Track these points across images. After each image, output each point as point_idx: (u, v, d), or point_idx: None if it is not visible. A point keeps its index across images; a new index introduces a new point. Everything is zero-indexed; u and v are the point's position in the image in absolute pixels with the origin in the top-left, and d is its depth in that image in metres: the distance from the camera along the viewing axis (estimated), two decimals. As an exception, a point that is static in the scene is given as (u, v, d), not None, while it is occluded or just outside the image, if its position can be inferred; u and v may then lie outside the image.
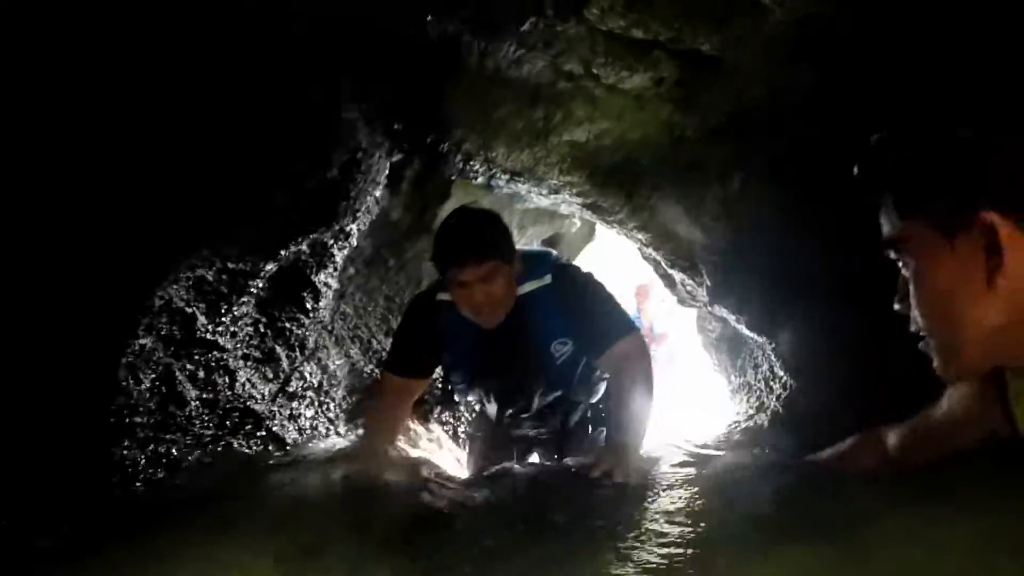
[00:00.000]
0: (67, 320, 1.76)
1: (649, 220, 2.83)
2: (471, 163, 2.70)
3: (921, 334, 1.23)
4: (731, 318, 2.96)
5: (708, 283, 2.84)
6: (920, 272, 1.21)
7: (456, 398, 2.81)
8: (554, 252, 2.67)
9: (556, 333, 2.48)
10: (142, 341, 2.10)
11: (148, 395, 2.21)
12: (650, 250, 3.04)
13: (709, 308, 3.12)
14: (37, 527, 1.65)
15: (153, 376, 2.22)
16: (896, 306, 1.26)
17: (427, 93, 2.31)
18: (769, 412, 2.93)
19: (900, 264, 1.22)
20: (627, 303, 6.98)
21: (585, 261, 5.15)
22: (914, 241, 1.20)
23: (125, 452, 2.10)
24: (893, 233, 1.22)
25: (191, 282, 2.19)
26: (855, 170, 1.22)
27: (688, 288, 3.11)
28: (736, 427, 3.12)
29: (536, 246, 3.35)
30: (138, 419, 2.15)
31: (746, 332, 2.92)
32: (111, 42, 1.54)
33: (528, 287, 2.43)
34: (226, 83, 1.73)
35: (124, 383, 2.05)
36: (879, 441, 1.54)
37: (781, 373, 2.78)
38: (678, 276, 3.08)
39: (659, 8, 1.80)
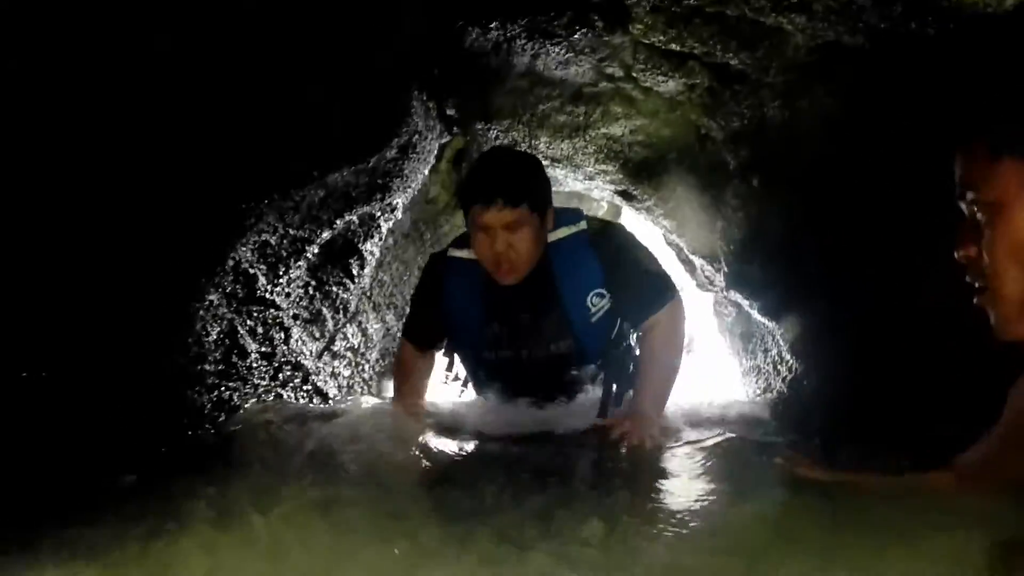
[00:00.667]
0: (150, 275, 2.04)
1: (674, 209, 3.10)
2: (516, 147, 2.97)
3: (979, 285, 1.21)
4: (744, 304, 3.22)
5: (725, 270, 3.10)
6: (1006, 216, 1.17)
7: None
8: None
9: (593, 283, 2.32)
10: (211, 297, 2.39)
11: (214, 346, 2.50)
12: (674, 236, 3.30)
13: (725, 293, 3.38)
14: (123, 465, 1.93)
15: (219, 329, 2.52)
16: (958, 253, 1.23)
17: (481, 85, 2.57)
18: (775, 392, 3.22)
19: (972, 209, 1.19)
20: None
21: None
22: (1003, 181, 1.17)
23: (195, 398, 2.41)
24: (982, 173, 1.19)
25: (256, 245, 2.47)
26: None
27: (707, 274, 3.37)
28: (745, 406, 3.40)
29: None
30: (207, 367, 2.45)
31: (758, 317, 3.19)
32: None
33: (561, 233, 2.30)
34: (312, 67, 1.98)
35: (197, 335, 2.35)
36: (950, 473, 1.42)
37: (788, 357, 3.05)
38: (698, 262, 3.34)
39: (695, 28, 2.04)
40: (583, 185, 3.30)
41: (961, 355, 1.80)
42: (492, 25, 2.11)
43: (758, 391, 3.45)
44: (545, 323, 2.37)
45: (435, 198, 3.92)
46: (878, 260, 2.17)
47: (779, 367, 3.23)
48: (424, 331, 2.54)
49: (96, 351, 1.91)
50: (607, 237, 2.33)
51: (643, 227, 3.58)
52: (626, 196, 3.19)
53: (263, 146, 1.85)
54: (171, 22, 1.48)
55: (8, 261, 1.51)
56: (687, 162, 2.89)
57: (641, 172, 3.02)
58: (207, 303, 2.29)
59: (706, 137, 2.73)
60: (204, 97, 1.59)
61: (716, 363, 4.35)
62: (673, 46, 2.18)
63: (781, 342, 3.08)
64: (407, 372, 2.63)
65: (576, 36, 2.15)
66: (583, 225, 2.31)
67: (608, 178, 3.10)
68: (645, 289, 2.29)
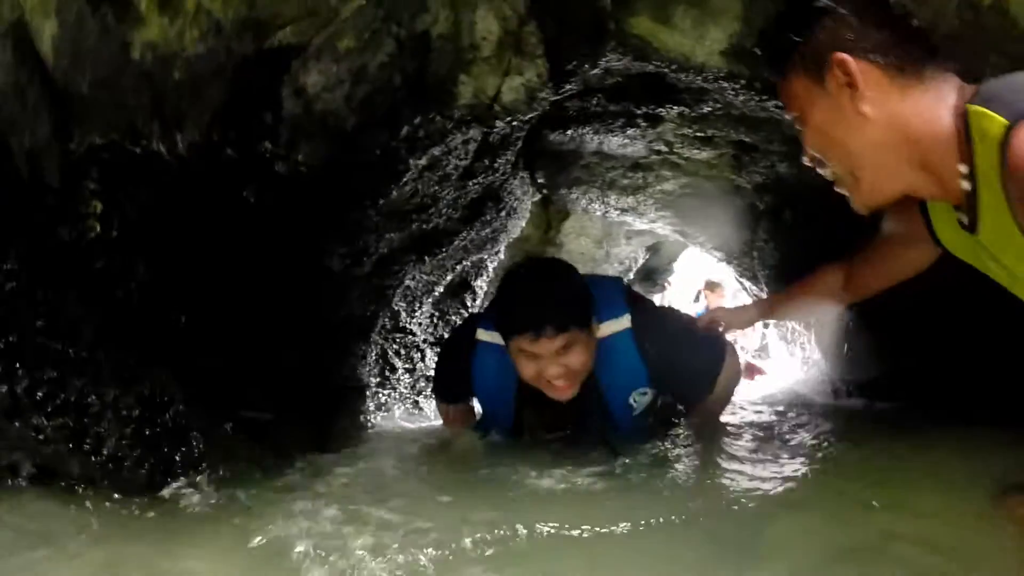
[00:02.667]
0: (340, 322, 3.10)
1: (720, 244, 4.06)
2: (592, 204, 3.98)
3: (831, 178, 1.60)
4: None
5: (764, 289, 4.04)
6: (807, 118, 1.56)
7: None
8: (620, 279, 2.73)
9: (637, 382, 2.40)
10: (374, 331, 3.47)
11: (374, 364, 3.57)
12: (722, 263, 4.28)
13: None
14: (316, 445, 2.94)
15: (376, 352, 3.58)
16: (804, 159, 1.63)
17: (563, 162, 3.58)
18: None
19: (796, 124, 1.60)
20: (692, 294, 8.17)
21: (682, 263, 6.35)
22: (797, 94, 1.57)
23: (364, 400, 3.47)
24: (785, 95, 1.60)
25: (403, 289, 3.53)
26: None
27: (753, 292, 4.32)
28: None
29: (601, 274, 3.02)
30: (372, 379, 3.51)
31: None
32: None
33: (605, 331, 2.34)
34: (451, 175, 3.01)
35: (365, 357, 3.42)
36: (836, 273, 2.15)
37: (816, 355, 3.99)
38: (746, 283, 4.29)
39: (710, 121, 2.97)
40: (648, 225, 4.28)
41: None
42: (568, 131, 3.10)
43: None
44: (585, 416, 2.48)
45: (528, 236, 4.95)
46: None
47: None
48: (454, 395, 2.75)
49: (308, 370, 2.99)
50: (651, 331, 2.36)
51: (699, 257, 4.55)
52: (682, 234, 4.17)
53: (414, 230, 2.89)
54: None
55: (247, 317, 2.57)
56: (726, 206, 3.84)
57: (691, 216, 3.99)
58: (375, 333, 3.36)
59: (738, 188, 3.67)
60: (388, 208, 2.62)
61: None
62: (699, 132, 3.14)
63: (813, 343, 4.02)
64: (447, 417, 2.95)
65: (628, 131, 3.13)
66: (627, 321, 2.35)
67: (667, 221, 4.08)
68: (694, 382, 2.44)
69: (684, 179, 3.71)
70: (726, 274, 5.10)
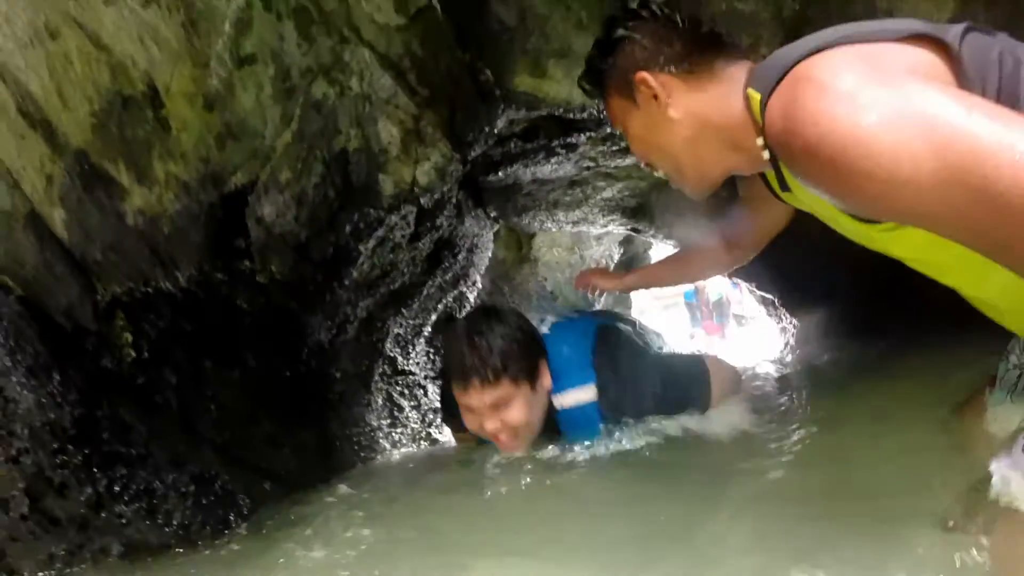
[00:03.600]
0: (341, 381, 3.71)
1: (668, 233, 4.63)
2: (544, 224, 4.56)
3: (664, 177, 1.91)
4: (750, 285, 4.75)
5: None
6: (629, 131, 1.85)
7: None
8: (592, 328, 2.56)
9: (608, 433, 2.42)
10: (376, 377, 4.07)
11: (382, 406, 4.17)
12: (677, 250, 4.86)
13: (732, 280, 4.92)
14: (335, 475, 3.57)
15: (382, 396, 4.18)
16: (642, 165, 1.95)
17: (507, 194, 4.16)
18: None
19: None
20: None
21: (657, 249, 6.90)
22: (617, 113, 1.86)
23: (378, 439, 4.07)
24: (610, 113, 1.89)
25: (394, 336, 4.13)
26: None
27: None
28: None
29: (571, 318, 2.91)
30: (382, 421, 4.11)
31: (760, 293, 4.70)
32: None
33: (569, 400, 2.39)
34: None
35: (374, 402, 4.02)
36: (715, 243, 2.51)
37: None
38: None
39: (618, 138, 3.56)
40: (603, 229, 4.87)
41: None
42: (499, 172, 3.69)
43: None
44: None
45: (504, 258, 5.54)
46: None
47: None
48: (455, 414, 2.64)
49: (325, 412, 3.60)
50: (621, 400, 2.38)
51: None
52: (635, 231, 4.75)
53: (383, 292, 3.48)
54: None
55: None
56: (666, 201, 4.41)
57: (637, 215, 4.56)
58: (375, 382, 3.96)
59: (667, 182, 4.25)
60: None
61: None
62: (613, 147, 3.72)
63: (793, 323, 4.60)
64: (456, 434, 3.26)
65: (552, 160, 3.71)
66: (591, 392, 2.37)
67: (617, 223, 4.66)
68: (675, 407, 2.43)
69: (619, 184, 4.28)
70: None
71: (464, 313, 2.65)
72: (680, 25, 1.77)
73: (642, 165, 1.98)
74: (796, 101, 1.32)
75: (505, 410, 2.22)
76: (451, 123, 2.67)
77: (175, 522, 2.60)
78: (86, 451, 2.47)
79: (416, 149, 2.56)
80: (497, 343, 2.23)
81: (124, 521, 2.51)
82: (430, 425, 4.61)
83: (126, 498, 2.53)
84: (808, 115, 1.27)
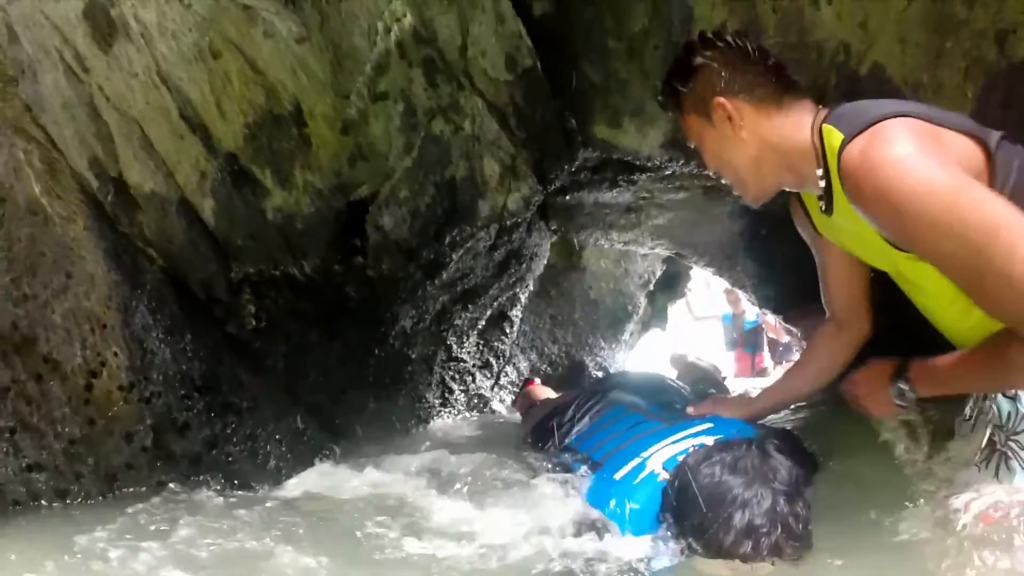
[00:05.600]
0: (413, 362, 4.34)
1: (709, 261, 5.22)
2: (599, 241, 5.16)
3: (729, 183, 2.34)
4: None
5: (751, 294, 5.19)
6: (704, 145, 2.26)
7: None
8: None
9: None
10: (435, 364, 4.69)
11: (435, 388, 4.79)
12: (715, 276, 5.44)
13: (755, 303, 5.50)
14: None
15: (436, 379, 4.80)
16: (711, 172, 2.39)
17: (570, 213, 4.75)
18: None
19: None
20: (720, 301, 9.40)
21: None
22: (694, 129, 2.27)
23: (430, 417, 4.69)
24: (686, 129, 2.31)
25: (455, 327, 4.74)
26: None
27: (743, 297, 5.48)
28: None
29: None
30: (435, 401, 4.73)
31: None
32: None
33: None
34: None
35: (429, 384, 4.64)
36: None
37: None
38: (737, 290, 5.45)
39: (674, 178, 4.14)
40: (649, 250, 5.47)
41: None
42: (568, 195, 4.28)
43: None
44: None
45: (554, 264, 6.14)
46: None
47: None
48: None
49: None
50: None
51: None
52: (678, 255, 5.34)
53: (458, 291, 4.10)
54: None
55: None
56: (709, 232, 4.99)
57: (684, 243, 5.15)
58: (436, 366, 4.59)
59: (715, 215, 4.83)
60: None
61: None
62: (668, 185, 4.30)
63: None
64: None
65: (614, 190, 4.30)
66: None
67: (663, 247, 5.26)
68: None
69: (670, 214, 4.87)
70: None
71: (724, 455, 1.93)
72: (751, 55, 2.16)
73: (711, 172, 2.42)
74: (876, 150, 1.79)
75: None
76: (540, 162, 3.28)
77: (270, 466, 3.24)
78: (207, 399, 3.10)
79: (510, 182, 3.18)
80: (802, 508, 1.93)
81: (230, 460, 3.15)
82: (473, 408, 5.24)
83: (234, 441, 3.17)
84: (885, 163, 1.76)
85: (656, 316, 7.22)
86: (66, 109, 2.98)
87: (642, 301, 6.78)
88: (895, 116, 1.85)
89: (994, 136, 1.91)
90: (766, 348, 9.75)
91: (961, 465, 2.13)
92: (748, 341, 9.56)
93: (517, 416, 5.08)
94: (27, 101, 2.95)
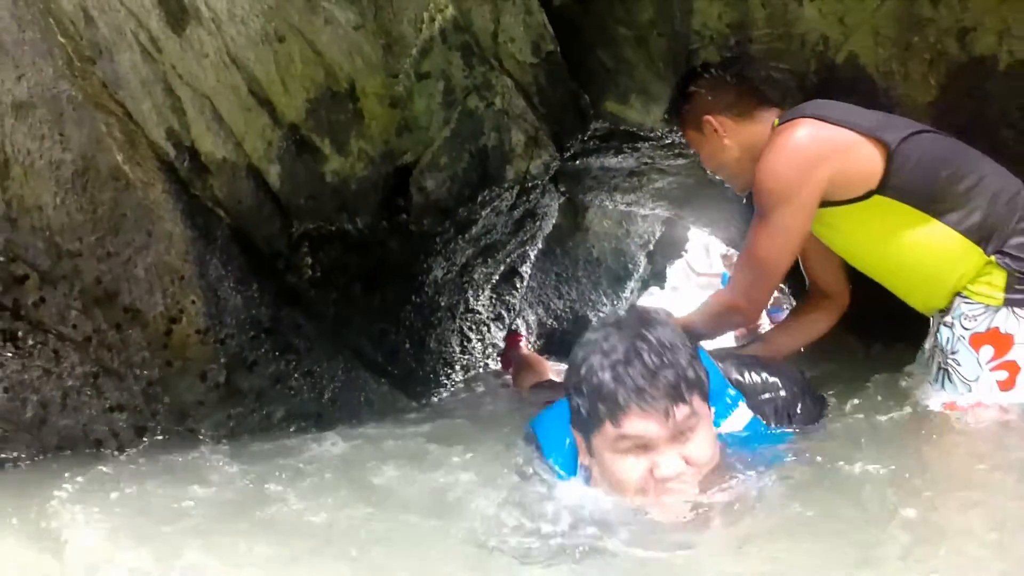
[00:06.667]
0: (441, 310, 4.91)
1: (707, 222, 5.79)
2: (604, 203, 5.73)
3: (722, 179, 3.11)
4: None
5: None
6: (700, 152, 3.04)
7: None
8: None
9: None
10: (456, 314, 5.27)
11: (456, 335, 5.36)
12: (711, 236, 6.01)
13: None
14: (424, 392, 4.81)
15: (456, 327, 5.37)
16: (707, 170, 3.20)
17: (578, 176, 5.31)
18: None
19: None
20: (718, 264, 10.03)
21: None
22: (691, 140, 3.05)
23: (452, 362, 5.27)
24: (686, 138, 3.12)
25: (470, 281, 5.30)
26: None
27: (734, 256, 6.07)
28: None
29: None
30: (455, 348, 5.32)
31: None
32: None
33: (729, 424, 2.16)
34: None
35: (450, 332, 5.21)
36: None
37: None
38: (728, 250, 6.03)
39: (673, 146, 4.68)
40: (650, 211, 6.03)
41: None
42: (577, 160, 4.82)
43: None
44: None
45: (560, 223, 6.70)
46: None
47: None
48: None
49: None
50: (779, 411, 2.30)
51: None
52: (677, 216, 5.92)
53: (481, 245, 4.67)
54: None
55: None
56: (707, 195, 5.55)
57: (682, 205, 5.72)
58: (459, 314, 5.17)
59: (711, 181, 5.38)
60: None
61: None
62: (669, 152, 4.85)
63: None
64: None
65: (619, 156, 4.84)
66: (747, 412, 2.20)
67: (663, 208, 5.83)
68: None
69: (670, 178, 5.45)
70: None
71: (603, 316, 2.58)
72: (729, 81, 2.97)
73: (708, 173, 3.22)
74: (777, 137, 2.60)
75: (688, 442, 1.78)
76: (558, 133, 3.85)
77: (325, 398, 3.83)
78: (272, 340, 3.68)
79: (533, 151, 3.76)
80: (683, 353, 1.83)
81: (292, 393, 3.73)
82: (488, 356, 5.82)
83: (296, 376, 3.75)
84: (773, 149, 2.57)
85: (655, 275, 7.81)
86: (143, 86, 3.49)
87: (642, 260, 7.36)
88: (810, 117, 2.58)
89: (901, 134, 2.52)
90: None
91: (923, 383, 2.79)
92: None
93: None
94: (104, 79, 3.44)
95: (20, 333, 3.15)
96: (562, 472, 2.07)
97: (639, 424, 1.72)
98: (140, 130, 3.48)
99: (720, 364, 2.26)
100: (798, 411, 2.26)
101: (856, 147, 2.50)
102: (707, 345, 2.73)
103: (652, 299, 8.42)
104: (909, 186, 2.46)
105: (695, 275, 14.17)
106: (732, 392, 2.17)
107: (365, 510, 2.22)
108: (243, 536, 2.01)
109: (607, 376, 1.76)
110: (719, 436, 1.97)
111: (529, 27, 3.55)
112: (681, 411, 1.73)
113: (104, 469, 2.91)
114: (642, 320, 1.91)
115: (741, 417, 2.14)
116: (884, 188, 2.47)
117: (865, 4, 3.29)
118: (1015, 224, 2.42)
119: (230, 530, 2.10)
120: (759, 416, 2.17)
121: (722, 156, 2.88)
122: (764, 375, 2.29)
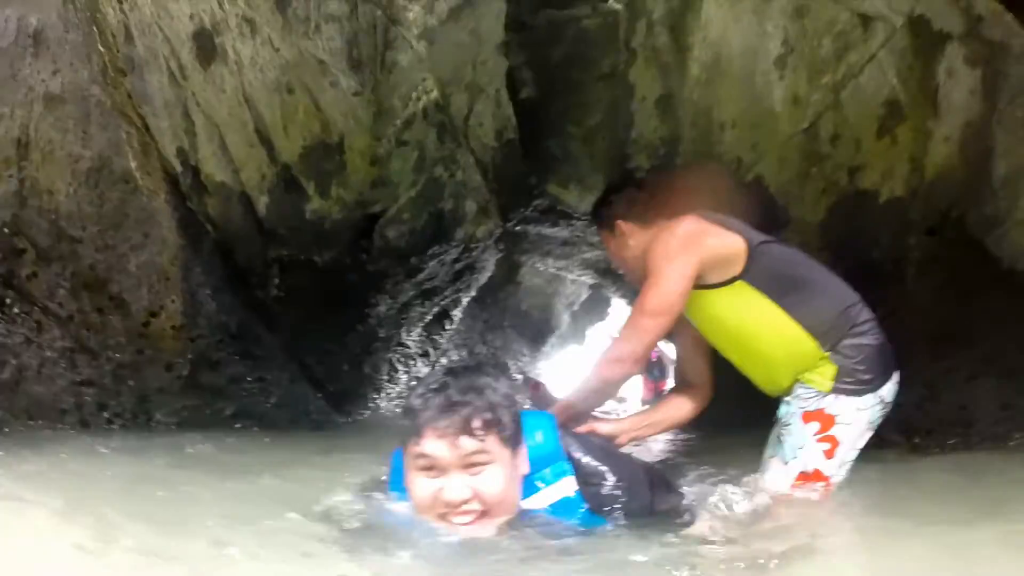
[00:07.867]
0: (380, 341, 5.65)
1: (626, 295, 6.65)
2: (537, 265, 6.56)
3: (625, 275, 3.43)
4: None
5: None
6: (609, 249, 3.31)
7: None
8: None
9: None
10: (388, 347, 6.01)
11: (386, 366, 6.09)
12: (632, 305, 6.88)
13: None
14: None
15: (387, 359, 6.10)
16: (613, 267, 4.12)
17: (517, 240, 6.10)
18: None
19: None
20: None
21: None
22: (605, 239, 3.32)
23: (380, 391, 5.99)
24: (604, 239, 3.29)
25: (407, 317, 6.04)
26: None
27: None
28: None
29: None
30: (384, 378, 6.05)
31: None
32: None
33: (546, 496, 2.24)
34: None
35: (381, 363, 5.94)
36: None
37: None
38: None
39: None
40: (578, 277, 6.88)
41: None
42: (517, 227, 5.63)
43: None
44: None
45: (494, 276, 7.49)
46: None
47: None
48: None
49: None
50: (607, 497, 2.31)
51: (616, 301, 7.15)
52: (598, 285, 6.80)
53: (424, 288, 5.44)
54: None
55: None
56: (627, 271, 6.40)
57: (605, 273, 6.58)
58: (391, 347, 5.91)
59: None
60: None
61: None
62: (600, 232, 5.68)
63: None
64: None
65: (554, 228, 5.66)
66: (572, 485, 2.26)
67: (589, 276, 6.70)
68: None
69: (598, 252, 6.30)
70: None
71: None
72: (638, 194, 3.35)
73: (613, 267, 3.98)
74: (667, 225, 2.96)
75: (479, 475, 1.97)
76: (505, 206, 4.68)
77: (271, 403, 4.55)
78: (236, 344, 4.38)
79: (482, 219, 4.62)
80: (493, 394, 2.04)
81: (244, 394, 4.43)
82: (411, 391, 6.52)
83: (249, 379, 4.46)
84: (663, 232, 2.92)
85: (576, 335, 8.64)
86: (165, 107, 4.16)
87: (566, 319, 8.18)
88: (693, 214, 3.05)
89: (761, 238, 2.99)
90: (671, 375, 11.11)
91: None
92: (652, 368, 10.94)
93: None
94: (131, 92, 4.05)
95: (8, 300, 3.51)
96: (397, 491, 2.22)
97: (431, 444, 1.92)
98: (155, 143, 4.12)
99: (566, 437, 2.37)
100: (622, 502, 2.29)
101: (725, 236, 2.94)
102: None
103: (570, 355, 9.16)
104: (766, 276, 2.93)
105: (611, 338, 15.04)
106: (566, 466, 2.24)
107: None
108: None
109: (418, 401, 1.99)
110: (549, 505, 2.17)
111: (497, 117, 4.41)
112: (469, 443, 1.92)
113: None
114: (473, 368, 2.24)
115: (565, 489, 2.22)
116: (746, 274, 2.90)
117: (776, 136, 4.18)
118: (848, 329, 2.90)
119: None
120: (584, 495, 2.24)
121: (625, 253, 3.22)
122: (597, 463, 2.33)
